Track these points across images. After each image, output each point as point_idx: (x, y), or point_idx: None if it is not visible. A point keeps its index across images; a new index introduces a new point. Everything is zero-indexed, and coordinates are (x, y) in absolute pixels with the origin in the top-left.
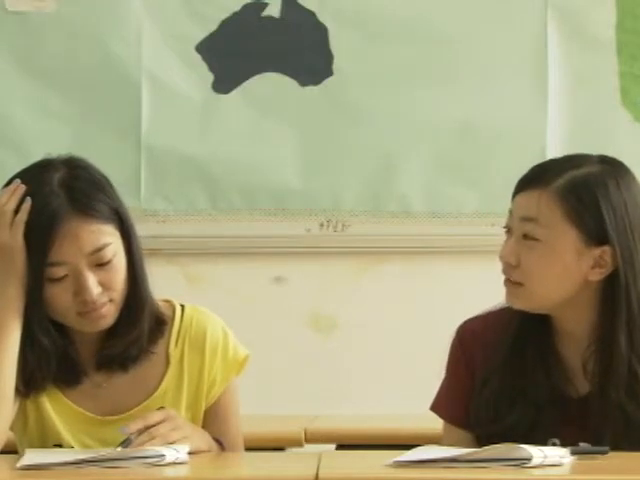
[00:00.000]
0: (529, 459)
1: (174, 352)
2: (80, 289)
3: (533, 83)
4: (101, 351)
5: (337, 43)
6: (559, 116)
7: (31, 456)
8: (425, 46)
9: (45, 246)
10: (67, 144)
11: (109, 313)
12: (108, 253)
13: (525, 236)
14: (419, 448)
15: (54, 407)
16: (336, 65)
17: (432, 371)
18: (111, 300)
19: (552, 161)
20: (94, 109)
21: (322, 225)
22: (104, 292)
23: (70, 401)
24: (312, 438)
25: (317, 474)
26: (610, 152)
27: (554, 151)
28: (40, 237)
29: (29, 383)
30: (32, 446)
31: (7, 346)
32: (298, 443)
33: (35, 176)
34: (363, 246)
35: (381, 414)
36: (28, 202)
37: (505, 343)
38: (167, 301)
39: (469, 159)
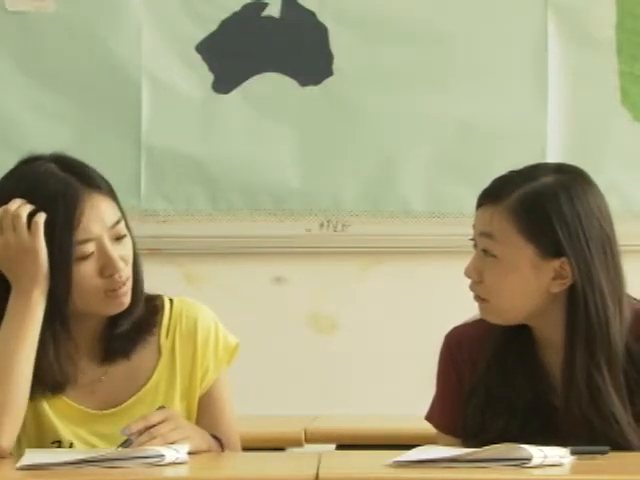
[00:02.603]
0: (529, 459)
1: (165, 343)
2: (108, 264)
3: (533, 83)
4: (106, 336)
5: (337, 43)
6: (559, 116)
7: (31, 456)
8: (425, 46)
9: (72, 225)
10: (67, 144)
11: (129, 291)
12: (122, 227)
13: (485, 251)
14: (419, 448)
15: (51, 405)
16: (336, 65)
17: (432, 371)
18: (128, 277)
19: (508, 175)
20: (94, 109)
21: (322, 225)
22: (124, 267)
23: (66, 397)
24: (312, 438)
25: (317, 474)
26: (610, 152)
27: (554, 151)
28: (67, 217)
29: (40, 384)
30: (30, 445)
31: (28, 345)
32: (298, 443)
33: (34, 170)
34: (363, 246)
35: (381, 414)
36: (42, 215)
37: (488, 352)
38: (155, 295)
39: (469, 159)
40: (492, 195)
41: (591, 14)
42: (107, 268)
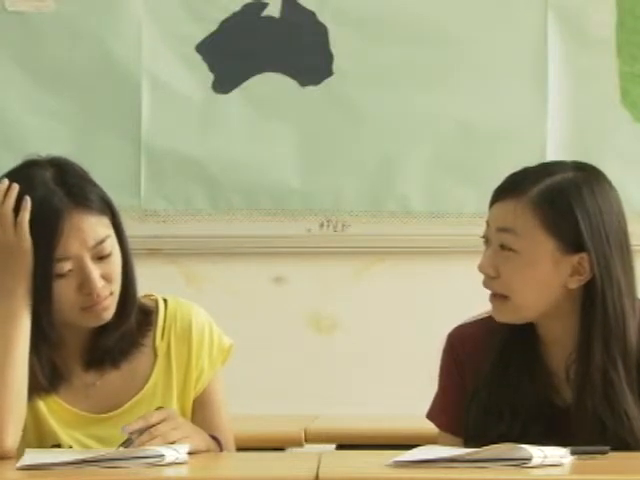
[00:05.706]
0: (529, 459)
1: (160, 345)
2: (85, 282)
3: (533, 83)
4: (93, 347)
5: (337, 43)
6: (559, 116)
7: (31, 456)
8: (425, 46)
9: (51, 243)
10: (67, 144)
11: (111, 305)
12: (108, 245)
13: (502, 247)
14: (419, 448)
15: (48, 408)
16: (336, 65)
17: (432, 371)
18: (111, 293)
19: (526, 170)
20: (94, 109)
21: (322, 225)
22: (106, 285)
23: (63, 401)
24: (312, 438)
25: (317, 474)
26: (610, 152)
27: (554, 151)
28: (46, 235)
29: (36, 384)
30: (30, 447)
31: (20, 343)
32: (298, 443)
33: (27, 177)
34: (363, 246)
35: (381, 414)
36: (27, 201)
37: (492, 353)
38: (149, 295)
39: (469, 159)
40: (512, 189)
41: (591, 14)
42: (84, 287)
